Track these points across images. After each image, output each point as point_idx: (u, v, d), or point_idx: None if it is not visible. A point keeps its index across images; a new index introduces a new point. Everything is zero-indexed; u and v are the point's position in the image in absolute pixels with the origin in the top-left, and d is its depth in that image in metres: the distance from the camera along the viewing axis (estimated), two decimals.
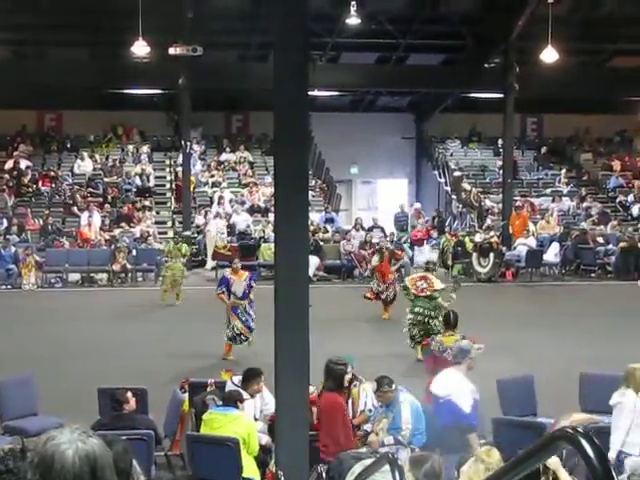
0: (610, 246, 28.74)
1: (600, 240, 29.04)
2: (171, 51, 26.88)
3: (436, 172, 35.99)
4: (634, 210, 32.18)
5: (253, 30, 28.34)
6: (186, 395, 11.24)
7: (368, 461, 7.40)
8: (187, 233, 27.70)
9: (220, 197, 30.58)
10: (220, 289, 16.79)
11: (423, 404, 10.82)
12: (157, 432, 10.01)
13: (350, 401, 10.60)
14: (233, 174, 33.24)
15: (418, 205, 33.62)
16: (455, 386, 9.31)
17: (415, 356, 15.93)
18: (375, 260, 21.20)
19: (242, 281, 16.65)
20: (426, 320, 16.06)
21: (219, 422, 9.51)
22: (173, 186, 32.70)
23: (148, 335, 18.74)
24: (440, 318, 14.81)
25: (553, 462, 6.90)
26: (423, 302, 16.29)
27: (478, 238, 27.61)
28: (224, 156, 33.84)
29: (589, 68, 32.65)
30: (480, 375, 11.95)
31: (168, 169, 33.82)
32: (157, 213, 31.50)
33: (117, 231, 28.77)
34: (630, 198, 32.99)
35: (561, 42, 26.87)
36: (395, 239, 28.67)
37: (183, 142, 29.66)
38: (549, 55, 26.92)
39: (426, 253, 27.96)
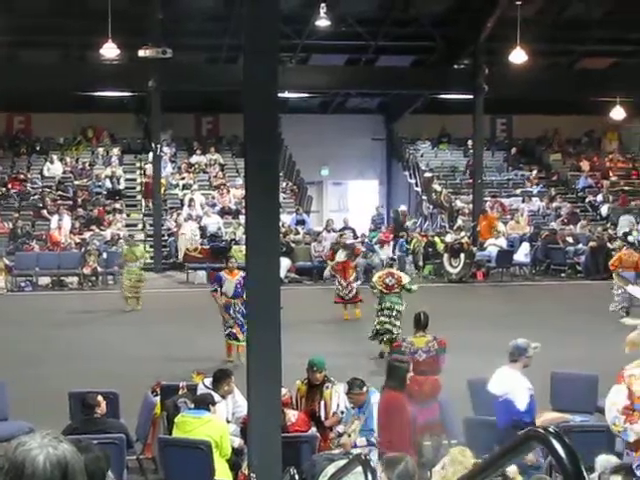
0: (580, 246, 28.92)
1: (570, 240, 29.23)
2: (141, 53, 26.77)
3: (407, 173, 36.07)
4: (603, 210, 32.39)
5: (223, 32, 28.29)
6: (158, 398, 11.19)
7: (341, 462, 7.41)
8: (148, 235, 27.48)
9: (191, 199, 30.51)
10: (213, 287, 16.89)
11: None
12: (129, 436, 9.96)
13: (322, 403, 10.61)
14: (204, 176, 33.17)
15: (404, 207, 33.62)
16: (511, 384, 9.28)
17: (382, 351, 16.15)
18: (342, 256, 21.30)
19: (234, 280, 16.58)
20: (395, 315, 16.21)
21: (191, 425, 9.48)
22: (144, 188, 32.55)
23: (119, 338, 18.65)
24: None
25: (512, 470, 6.93)
26: (395, 297, 16.44)
27: (449, 239, 27.70)
28: (194, 158, 33.76)
29: (558, 69, 32.83)
30: (451, 375, 12.00)
31: (138, 172, 33.68)
32: (128, 216, 31.37)
33: (87, 234, 28.62)
34: (599, 198, 33.21)
35: (530, 43, 27.01)
36: (367, 240, 28.75)
37: (153, 144, 29.57)
38: (518, 56, 27.03)
39: (383, 252, 28.05)
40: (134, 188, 33.08)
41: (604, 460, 7.04)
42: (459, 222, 29.98)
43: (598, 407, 10.20)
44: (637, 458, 6.31)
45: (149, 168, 31.13)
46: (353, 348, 17.15)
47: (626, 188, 34.07)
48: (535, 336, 17.71)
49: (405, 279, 16.90)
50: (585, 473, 2.83)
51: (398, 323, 16.30)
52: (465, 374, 12.09)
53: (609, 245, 26.97)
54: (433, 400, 11.26)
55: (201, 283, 26.89)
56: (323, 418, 10.57)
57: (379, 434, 9.33)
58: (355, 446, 9.74)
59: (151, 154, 30.36)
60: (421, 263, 28.45)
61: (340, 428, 10.10)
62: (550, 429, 2.94)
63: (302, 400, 10.84)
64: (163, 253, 29.10)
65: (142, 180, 32.87)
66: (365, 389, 10.00)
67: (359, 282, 21.42)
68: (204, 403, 9.72)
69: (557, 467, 2.88)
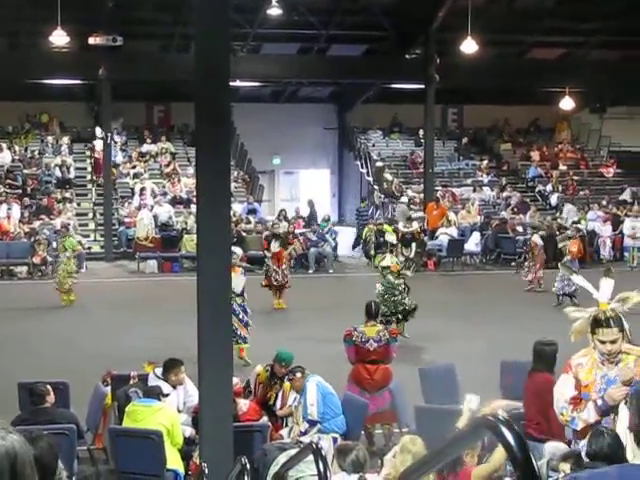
0: (529, 235, 29.13)
1: (519, 229, 29.48)
2: (91, 41, 26.55)
3: (358, 162, 36.11)
4: (552, 199, 32.69)
5: (175, 21, 28.12)
6: (108, 388, 11.13)
7: (292, 451, 7.42)
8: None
9: (142, 188, 30.34)
10: None
11: (346, 393, 10.91)
12: (79, 426, 9.90)
13: (281, 393, 10.64)
14: (155, 165, 32.99)
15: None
16: None
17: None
18: (275, 247, 21.35)
19: (239, 275, 15.93)
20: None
21: (142, 414, 9.45)
22: (94, 177, 32.30)
23: (69, 328, 18.53)
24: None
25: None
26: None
27: (401, 227, 27.77)
28: (145, 147, 33.55)
29: (508, 59, 33.01)
30: (402, 363, 12.07)
31: (89, 160, 33.41)
32: (78, 205, 31.11)
33: (37, 223, 28.31)
34: (549, 187, 33.51)
35: (481, 34, 27.15)
36: (319, 229, 28.78)
37: (104, 133, 29.34)
38: (469, 46, 27.14)
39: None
40: (84, 177, 32.81)
41: (552, 447, 7.12)
42: (411, 213, 30.07)
43: None
44: (583, 445, 6.39)
45: (98, 144, 30.86)
46: (305, 334, 17.16)
47: (575, 178, 34.41)
48: (485, 325, 17.91)
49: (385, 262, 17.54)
50: (534, 460, 2.86)
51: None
52: (416, 363, 12.17)
53: (558, 234, 27.20)
54: (384, 389, 11.33)
55: (152, 272, 26.81)
56: (278, 408, 10.61)
57: (526, 416, 9.28)
58: (304, 434, 9.78)
59: (100, 140, 30.13)
60: (372, 252, 28.50)
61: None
62: (499, 417, 2.97)
63: (260, 386, 10.89)
64: (114, 242, 28.94)
65: (92, 169, 32.58)
66: (298, 375, 10.09)
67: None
68: (154, 393, 9.70)
69: (506, 455, 2.91)
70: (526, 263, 23.89)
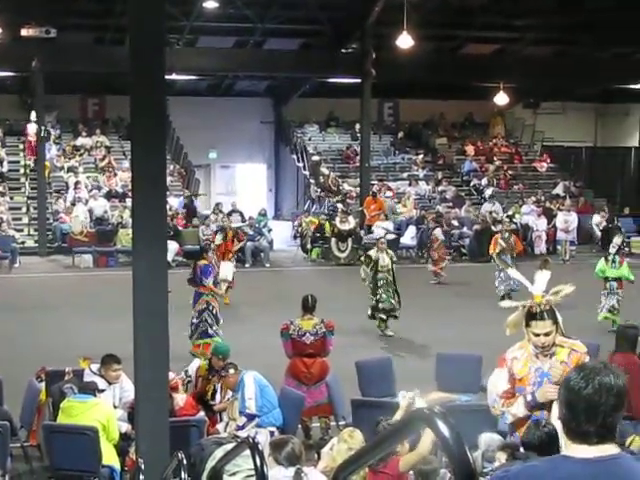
0: (464, 229, 29.44)
1: (455, 223, 29.73)
2: (23, 32, 26.21)
3: (294, 156, 36.11)
4: (487, 193, 32.98)
5: (110, 12, 27.83)
6: (43, 384, 11.02)
7: (229, 446, 7.41)
8: None
9: (77, 182, 30.04)
10: (208, 281, 15.48)
11: (283, 386, 10.92)
12: (12, 423, 9.79)
13: (219, 386, 10.64)
14: (89, 159, 32.64)
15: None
16: None
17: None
18: (218, 239, 21.25)
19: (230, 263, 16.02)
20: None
21: (77, 409, 9.36)
22: (27, 171, 31.89)
23: (2, 323, 18.26)
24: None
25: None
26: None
27: (338, 224, 27.87)
28: (80, 141, 33.17)
29: (443, 54, 33.22)
30: (338, 357, 12.11)
31: (22, 154, 32.96)
32: (11, 199, 30.70)
33: None
34: (484, 182, 33.81)
35: (416, 28, 27.24)
36: (255, 223, 28.76)
37: (37, 126, 28.99)
38: (405, 41, 27.21)
39: None
40: (17, 171, 32.37)
41: (487, 438, 7.21)
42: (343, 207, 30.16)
43: (482, 386, 10.39)
44: (517, 436, 6.47)
45: (30, 127, 30.43)
46: (243, 328, 17.14)
47: (510, 172, 34.79)
48: (420, 318, 18.03)
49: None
50: (469, 452, 2.89)
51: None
52: (353, 356, 12.21)
53: (493, 228, 27.47)
54: (321, 382, 11.37)
55: (87, 267, 26.57)
56: (217, 401, 10.61)
57: None
58: (241, 428, 9.77)
59: (34, 124, 29.72)
60: (309, 246, 28.57)
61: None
62: (435, 410, 2.99)
63: (199, 380, 10.90)
64: (48, 237, 28.62)
65: (25, 162, 32.16)
66: (231, 371, 10.09)
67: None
68: (89, 389, 9.63)
69: (441, 447, 2.94)
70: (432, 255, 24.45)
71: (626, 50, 33.63)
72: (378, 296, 17.39)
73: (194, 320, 15.25)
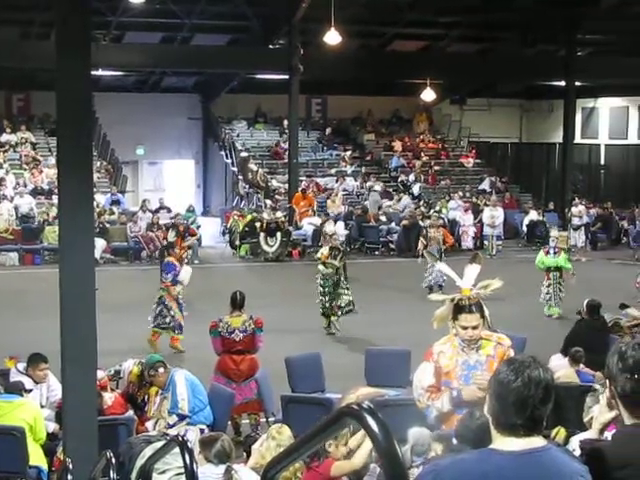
0: (392, 224, 29.62)
1: (383, 219, 29.89)
2: None
3: (223, 153, 35.99)
4: (415, 189, 33.20)
5: (35, 7, 27.41)
6: None
7: (159, 444, 7.38)
8: None
9: (1, 179, 29.60)
10: (168, 277, 15.96)
11: (212, 384, 10.90)
12: None
13: (147, 397, 10.51)
14: (14, 155, 32.18)
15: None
16: None
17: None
18: (171, 236, 21.14)
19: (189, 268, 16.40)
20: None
21: (3, 409, 9.24)
22: None
23: None
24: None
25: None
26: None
27: (266, 216, 27.88)
28: (4, 137, 32.67)
29: (370, 51, 33.36)
30: (267, 353, 12.11)
31: None
32: None
33: None
34: (411, 177, 34.02)
35: (344, 25, 27.25)
36: (182, 220, 28.57)
37: None
38: (332, 37, 27.23)
39: None
40: None
41: (417, 432, 7.26)
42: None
43: (410, 381, 10.47)
44: (448, 429, 6.52)
45: None
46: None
47: (436, 168, 35.09)
48: (350, 314, 18.04)
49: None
50: (398, 448, 2.91)
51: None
52: (282, 352, 12.23)
53: (421, 223, 27.64)
54: (251, 379, 11.37)
55: (13, 265, 26.21)
56: (145, 410, 10.46)
57: None
58: (171, 426, 9.72)
59: None
60: (238, 243, 28.48)
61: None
62: (363, 405, 3.00)
63: (130, 385, 10.73)
64: None
65: None
66: (161, 370, 10.00)
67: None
68: (15, 389, 9.52)
69: (372, 442, 2.96)
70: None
71: (550, 47, 34.10)
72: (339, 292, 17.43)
73: (153, 306, 16.06)
